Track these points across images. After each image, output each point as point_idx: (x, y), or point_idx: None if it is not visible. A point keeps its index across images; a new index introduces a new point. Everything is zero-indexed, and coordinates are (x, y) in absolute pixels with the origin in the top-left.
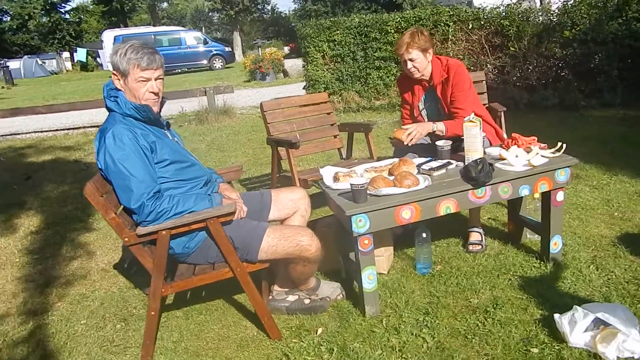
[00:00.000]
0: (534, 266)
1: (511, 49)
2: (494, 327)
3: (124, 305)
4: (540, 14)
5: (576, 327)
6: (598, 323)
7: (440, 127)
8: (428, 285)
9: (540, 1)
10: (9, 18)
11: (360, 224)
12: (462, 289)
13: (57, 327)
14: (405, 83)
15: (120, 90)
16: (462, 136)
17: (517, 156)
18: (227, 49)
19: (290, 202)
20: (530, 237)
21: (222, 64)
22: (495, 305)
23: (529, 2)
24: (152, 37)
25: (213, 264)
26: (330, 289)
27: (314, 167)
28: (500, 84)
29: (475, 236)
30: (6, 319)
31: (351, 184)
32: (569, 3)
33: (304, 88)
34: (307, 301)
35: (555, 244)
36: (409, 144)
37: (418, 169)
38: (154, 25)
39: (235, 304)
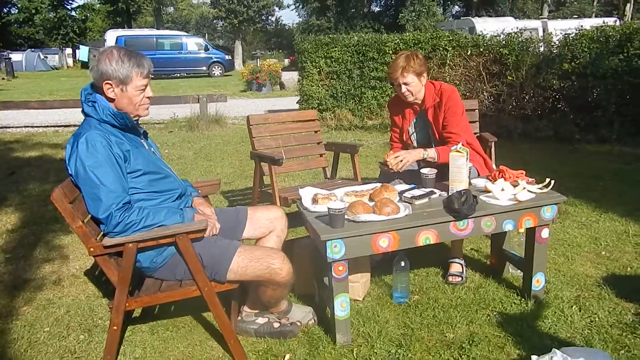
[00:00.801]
0: (514, 303)
1: (509, 77)
2: None
3: (90, 314)
4: (541, 44)
5: None
6: None
7: (431, 153)
8: (403, 316)
9: (543, 32)
10: (16, 10)
11: (335, 250)
12: (439, 322)
13: (19, 333)
14: (396, 106)
15: (110, 97)
16: None
17: (503, 189)
18: (227, 57)
19: (266, 221)
20: (513, 272)
21: (221, 71)
22: (471, 342)
23: (530, 32)
24: (155, 39)
25: (180, 281)
26: (302, 314)
27: (297, 185)
28: (495, 112)
29: (455, 267)
30: None
31: (329, 208)
32: (570, 36)
33: (297, 102)
34: (276, 325)
35: (538, 282)
36: (398, 171)
37: (400, 196)
38: (157, 29)
39: (203, 322)
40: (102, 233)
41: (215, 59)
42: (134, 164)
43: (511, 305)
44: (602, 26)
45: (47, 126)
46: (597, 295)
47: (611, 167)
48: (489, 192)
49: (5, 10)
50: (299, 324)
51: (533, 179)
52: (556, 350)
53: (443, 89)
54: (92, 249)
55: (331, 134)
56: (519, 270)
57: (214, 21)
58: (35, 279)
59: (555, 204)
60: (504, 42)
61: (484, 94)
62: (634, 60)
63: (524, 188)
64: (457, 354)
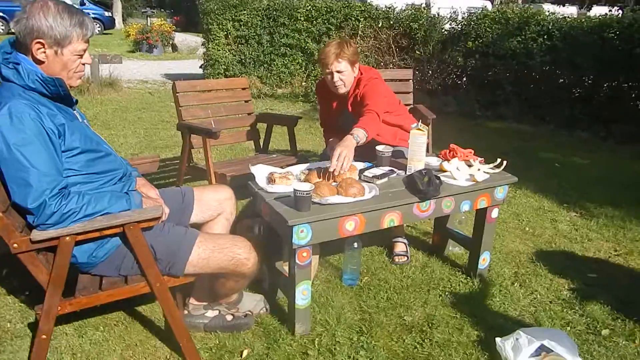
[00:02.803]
0: (461, 281)
1: (417, 52)
2: (432, 349)
3: None
4: (446, 22)
5: (521, 353)
6: (540, 349)
7: (360, 134)
8: (357, 299)
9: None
10: None
11: (302, 235)
12: (394, 305)
13: None
14: (323, 90)
15: (38, 59)
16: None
17: (458, 169)
18: (106, 13)
19: (215, 203)
20: (452, 250)
21: (99, 29)
22: (430, 325)
23: (439, 8)
24: None
25: (125, 277)
26: (253, 302)
27: (228, 160)
28: None
29: (400, 247)
30: None
31: (295, 190)
32: (474, 16)
33: (201, 67)
34: (229, 317)
35: (484, 260)
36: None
37: (359, 175)
38: None
39: (140, 318)
40: (28, 224)
41: (93, 16)
42: (70, 141)
43: (459, 284)
44: (502, 9)
45: None
46: (533, 271)
47: (513, 143)
48: (445, 171)
49: None
50: (251, 313)
51: (482, 158)
52: (520, 332)
53: (362, 77)
54: (15, 245)
55: None
56: (458, 247)
57: None
58: None
59: (507, 184)
60: (413, 16)
61: (392, 66)
62: (529, 43)
63: (479, 169)
64: (419, 339)
